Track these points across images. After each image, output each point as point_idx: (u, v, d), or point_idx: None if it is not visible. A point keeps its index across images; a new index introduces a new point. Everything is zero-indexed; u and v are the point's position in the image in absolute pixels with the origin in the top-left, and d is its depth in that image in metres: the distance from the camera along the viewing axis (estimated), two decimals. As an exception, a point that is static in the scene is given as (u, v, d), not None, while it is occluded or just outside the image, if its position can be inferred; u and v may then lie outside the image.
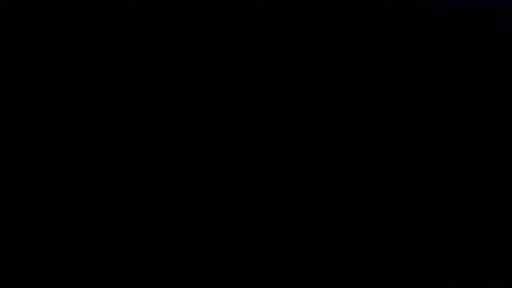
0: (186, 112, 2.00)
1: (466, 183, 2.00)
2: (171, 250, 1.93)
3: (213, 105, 2.00)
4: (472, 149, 2.00)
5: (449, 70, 2.04)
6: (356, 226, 1.96)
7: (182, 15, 1.98)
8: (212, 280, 1.92)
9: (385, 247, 1.95)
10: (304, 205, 1.97)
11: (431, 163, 2.00)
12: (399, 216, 1.98)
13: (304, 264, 1.94)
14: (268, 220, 1.96)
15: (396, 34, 2.04)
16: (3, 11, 1.95)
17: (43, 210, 1.95)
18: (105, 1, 1.96)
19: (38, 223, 1.93)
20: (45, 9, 1.96)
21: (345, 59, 2.02)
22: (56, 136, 1.97)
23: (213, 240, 1.94)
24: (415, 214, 1.98)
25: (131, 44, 1.99)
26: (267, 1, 1.99)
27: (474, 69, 2.03)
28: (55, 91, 1.98)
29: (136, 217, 1.95)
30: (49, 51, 1.98)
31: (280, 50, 2.02)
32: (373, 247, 1.95)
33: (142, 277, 1.91)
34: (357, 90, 2.02)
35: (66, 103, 1.97)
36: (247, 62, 2.00)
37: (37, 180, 1.96)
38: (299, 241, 1.95)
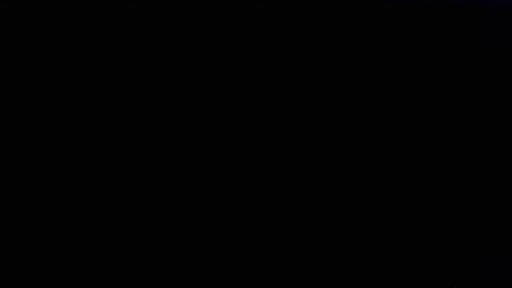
0: (185, 113, 2.00)
1: (465, 183, 2.00)
2: (170, 250, 1.93)
3: (213, 106, 2.00)
4: (470, 150, 2.00)
5: (447, 71, 2.04)
6: (356, 227, 1.96)
7: (182, 14, 1.98)
8: (212, 280, 1.92)
9: (385, 247, 1.95)
10: (304, 205, 1.97)
11: (431, 164, 2.00)
12: (399, 216, 1.98)
13: (304, 264, 1.94)
14: (267, 221, 1.96)
15: (395, 34, 2.04)
16: (3, 11, 1.95)
17: (43, 210, 1.95)
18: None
19: (37, 223, 1.93)
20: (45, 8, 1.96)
21: (344, 59, 2.02)
22: (55, 136, 1.97)
23: (212, 241, 1.94)
24: (415, 215, 1.98)
25: (130, 44, 1.99)
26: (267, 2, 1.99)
27: (472, 70, 2.03)
28: (53, 91, 1.98)
29: (135, 217, 1.95)
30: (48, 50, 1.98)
31: (279, 50, 2.02)
32: (373, 248, 1.95)
33: (142, 277, 1.91)
34: (357, 90, 2.02)
35: (65, 103, 1.97)
36: (246, 62, 2.00)
37: (37, 180, 1.96)
38: (299, 242, 1.95)
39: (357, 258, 1.94)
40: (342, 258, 1.94)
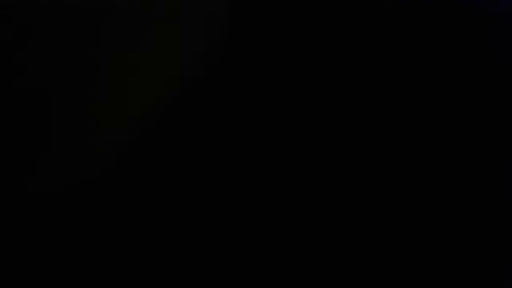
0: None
1: (465, 184, 2.00)
2: (171, 250, 1.93)
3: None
4: (470, 149, 2.01)
5: (447, 70, 2.04)
6: (357, 227, 1.97)
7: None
8: (212, 281, 1.92)
9: (385, 248, 1.96)
10: (303, 206, 1.97)
11: (431, 164, 2.00)
12: (399, 217, 1.99)
13: (304, 265, 1.94)
14: (268, 221, 1.96)
15: (395, 32, 2.04)
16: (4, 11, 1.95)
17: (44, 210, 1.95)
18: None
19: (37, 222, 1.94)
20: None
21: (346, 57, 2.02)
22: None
23: (212, 241, 1.95)
24: (415, 215, 1.99)
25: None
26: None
27: (471, 70, 2.03)
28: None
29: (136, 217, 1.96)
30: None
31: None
32: (373, 248, 1.95)
33: (142, 277, 1.91)
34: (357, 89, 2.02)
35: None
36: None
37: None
38: (299, 242, 1.95)
39: (357, 259, 1.94)
40: (342, 259, 1.94)
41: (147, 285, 1.89)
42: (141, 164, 1.96)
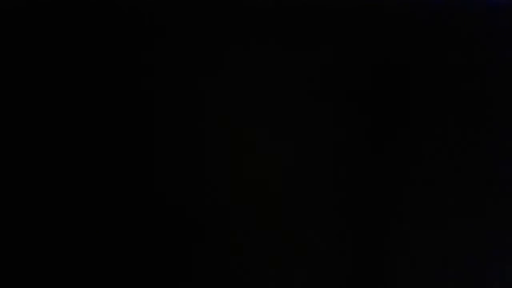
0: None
1: (467, 184, 2.02)
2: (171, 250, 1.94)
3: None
4: (470, 150, 2.02)
5: (448, 70, 2.05)
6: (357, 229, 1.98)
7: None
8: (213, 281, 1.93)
9: (384, 248, 1.97)
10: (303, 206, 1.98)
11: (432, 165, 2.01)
12: (399, 217, 2.00)
13: (304, 265, 1.96)
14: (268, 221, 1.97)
15: (397, 32, 2.06)
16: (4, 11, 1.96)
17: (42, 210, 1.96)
18: None
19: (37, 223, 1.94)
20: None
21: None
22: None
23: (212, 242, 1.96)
24: (415, 215, 2.00)
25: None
26: None
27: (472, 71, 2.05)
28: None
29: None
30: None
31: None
32: (373, 248, 1.97)
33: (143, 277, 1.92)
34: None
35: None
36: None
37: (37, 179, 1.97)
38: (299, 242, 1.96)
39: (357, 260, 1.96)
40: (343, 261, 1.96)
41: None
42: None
